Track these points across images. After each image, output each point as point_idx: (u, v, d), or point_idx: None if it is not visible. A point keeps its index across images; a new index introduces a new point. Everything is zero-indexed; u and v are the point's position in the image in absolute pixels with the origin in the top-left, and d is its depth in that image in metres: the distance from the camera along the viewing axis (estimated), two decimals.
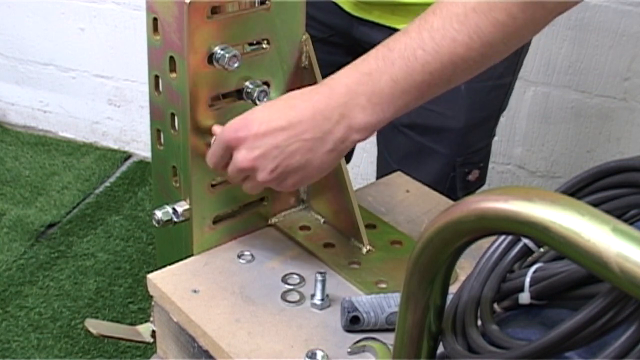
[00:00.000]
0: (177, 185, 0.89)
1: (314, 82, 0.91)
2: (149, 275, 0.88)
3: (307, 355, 0.77)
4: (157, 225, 0.88)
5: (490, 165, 2.18)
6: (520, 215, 0.45)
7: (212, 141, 0.84)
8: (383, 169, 1.24)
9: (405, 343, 0.57)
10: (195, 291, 0.85)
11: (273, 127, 0.78)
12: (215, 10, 0.83)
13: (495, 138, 2.14)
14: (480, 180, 1.32)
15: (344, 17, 1.24)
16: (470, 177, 1.28)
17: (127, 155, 2.59)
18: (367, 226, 0.94)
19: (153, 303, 0.89)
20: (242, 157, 0.79)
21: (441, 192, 1.07)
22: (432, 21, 0.75)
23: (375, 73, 0.76)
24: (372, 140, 1.38)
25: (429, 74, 0.75)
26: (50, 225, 2.21)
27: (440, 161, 1.22)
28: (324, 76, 0.93)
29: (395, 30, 1.21)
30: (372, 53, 0.77)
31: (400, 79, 0.75)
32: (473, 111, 1.22)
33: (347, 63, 1.33)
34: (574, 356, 0.50)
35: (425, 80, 0.75)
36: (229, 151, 0.81)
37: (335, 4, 1.24)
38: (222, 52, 0.82)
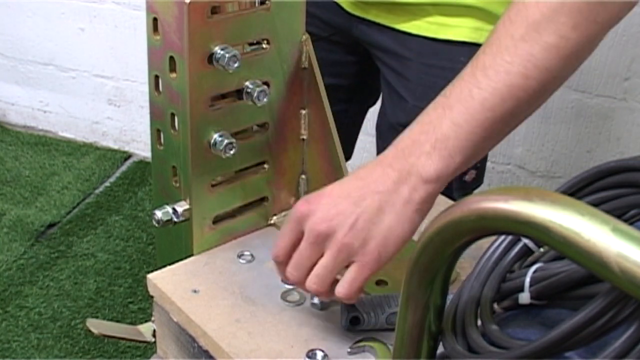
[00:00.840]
0: (177, 185, 0.89)
1: (314, 82, 0.91)
2: (149, 275, 0.88)
3: (307, 355, 0.77)
4: (157, 225, 0.88)
5: (490, 165, 2.19)
6: (520, 215, 0.45)
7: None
8: None
9: (405, 343, 0.57)
10: (195, 291, 0.85)
11: (345, 187, 0.75)
12: (215, 10, 0.83)
13: None
14: (477, 181, 1.31)
15: (343, 15, 1.24)
16: (467, 178, 1.28)
17: (127, 155, 2.59)
18: None
19: (153, 303, 0.89)
20: (318, 220, 0.73)
21: None
22: (483, 60, 0.73)
23: (436, 121, 0.74)
24: (372, 140, 1.38)
25: (491, 111, 0.72)
26: (50, 225, 2.21)
27: None
28: (324, 73, 0.93)
29: (393, 29, 1.22)
30: (431, 105, 0.76)
31: (461, 121, 0.73)
32: None
33: (348, 62, 1.34)
34: (574, 356, 0.50)
35: (488, 118, 0.72)
36: (300, 225, 0.75)
37: (336, 2, 1.24)
38: (222, 52, 0.82)
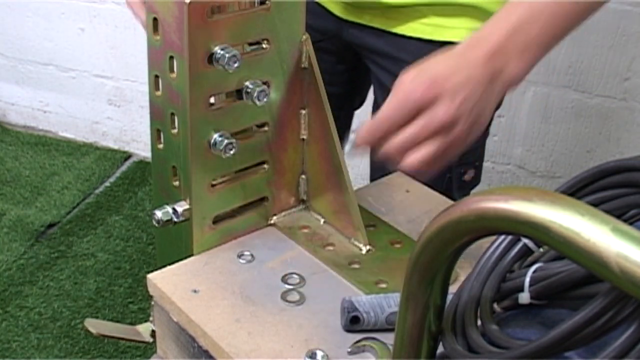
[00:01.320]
0: (177, 185, 0.89)
1: (314, 82, 0.91)
2: (149, 275, 0.88)
3: (307, 355, 0.77)
4: (157, 225, 0.88)
5: (490, 165, 2.19)
6: (520, 215, 0.45)
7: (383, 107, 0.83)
8: (377, 172, 1.24)
9: (405, 343, 0.57)
10: (195, 291, 0.85)
11: (462, 78, 0.80)
12: (215, 10, 0.83)
13: (495, 138, 2.15)
14: (476, 180, 1.31)
15: (333, 20, 1.23)
16: (466, 177, 1.28)
17: (127, 155, 2.60)
18: (367, 226, 0.94)
19: (153, 303, 0.89)
20: (445, 109, 0.79)
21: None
22: None
23: (525, 23, 0.82)
24: None
25: (575, 15, 0.84)
26: (50, 225, 2.21)
27: None
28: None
29: (388, 33, 1.22)
30: (517, 5, 0.83)
31: (549, 29, 0.82)
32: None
33: (337, 71, 1.33)
34: (573, 356, 0.50)
35: (567, 24, 0.84)
36: (418, 111, 0.80)
37: (324, 8, 1.23)
38: (222, 52, 0.82)
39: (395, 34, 1.19)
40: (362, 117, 1.38)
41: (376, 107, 1.32)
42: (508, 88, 0.83)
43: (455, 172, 1.25)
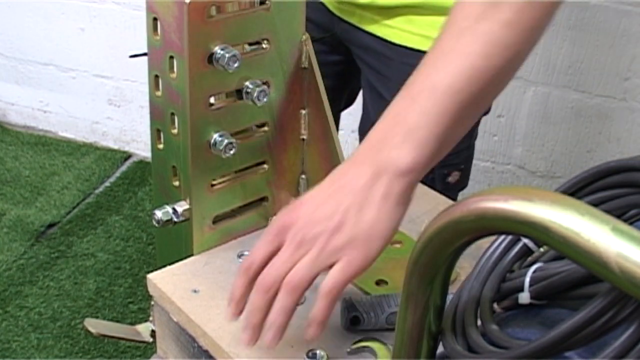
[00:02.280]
0: (177, 185, 0.89)
1: (314, 82, 0.91)
2: (149, 275, 0.88)
3: (307, 355, 0.77)
4: (157, 225, 0.88)
5: (490, 165, 2.19)
6: (520, 215, 0.45)
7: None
8: None
9: (405, 343, 0.57)
10: (195, 291, 0.85)
11: (323, 192, 0.73)
12: (215, 10, 0.83)
13: (495, 138, 2.15)
14: (461, 182, 1.30)
15: (327, 14, 1.25)
16: (450, 179, 1.27)
17: (127, 155, 2.59)
18: None
19: (153, 303, 0.89)
20: (302, 225, 0.72)
21: None
22: (442, 45, 0.72)
23: (404, 112, 0.72)
24: None
25: (457, 94, 0.71)
26: (50, 225, 2.21)
27: None
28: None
29: (373, 35, 1.22)
30: (397, 97, 0.74)
31: (429, 109, 0.71)
32: None
33: (331, 62, 1.33)
34: (573, 356, 0.50)
35: (455, 103, 0.71)
36: (281, 236, 0.73)
37: (320, 2, 1.24)
38: (222, 52, 0.82)
39: (384, 39, 1.20)
40: (357, 118, 1.38)
41: (365, 108, 1.32)
42: (399, 181, 0.71)
43: (438, 174, 1.24)
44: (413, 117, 0.71)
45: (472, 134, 1.30)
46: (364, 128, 1.33)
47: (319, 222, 0.71)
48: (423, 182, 1.09)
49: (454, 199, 1.23)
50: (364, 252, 0.72)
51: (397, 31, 1.17)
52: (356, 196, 0.72)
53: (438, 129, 0.71)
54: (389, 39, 1.19)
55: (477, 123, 1.30)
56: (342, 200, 0.72)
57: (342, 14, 1.24)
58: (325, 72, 1.33)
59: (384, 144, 0.72)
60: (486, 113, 1.32)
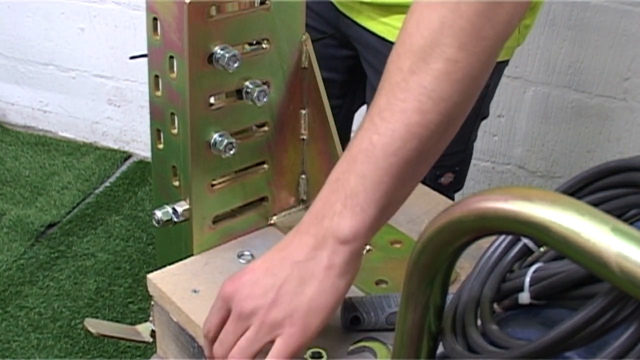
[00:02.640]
0: (177, 185, 0.89)
1: (314, 82, 0.91)
2: (149, 275, 0.88)
3: (307, 355, 0.77)
4: (157, 225, 0.88)
5: (490, 165, 2.19)
6: (520, 215, 0.45)
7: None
8: None
9: (405, 343, 0.57)
10: (195, 291, 0.85)
11: (266, 262, 0.72)
12: (215, 10, 0.83)
13: (495, 138, 2.15)
14: (456, 185, 1.28)
15: (333, 11, 1.25)
16: (443, 181, 1.25)
17: (127, 155, 2.59)
18: None
19: (153, 303, 0.89)
20: (241, 297, 0.71)
21: None
22: (379, 103, 0.69)
23: (343, 177, 0.69)
24: None
25: (394, 156, 0.67)
26: (50, 225, 2.21)
27: None
28: (320, 68, 0.92)
29: (371, 33, 1.22)
30: (338, 163, 0.71)
31: (366, 172, 0.68)
32: None
33: (341, 56, 1.33)
34: (573, 356, 0.50)
35: (393, 164, 0.67)
36: (227, 304, 0.72)
37: None
38: (222, 52, 0.82)
39: (381, 37, 1.20)
40: (357, 118, 1.38)
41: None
42: (342, 249, 0.69)
43: (430, 174, 1.23)
44: (351, 182, 0.68)
45: (469, 138, 1.29)
46: None
47: (256, 297, 0.70)
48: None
49: (450, 200, 1.23)
50: (302, 328, 0.70)
51: (392, 29, 1.17)
52: (297, 269, 0.70)
53: (378, 193, 0.68)
54: (385, 36, 1.19)
55: (475, 127, 1.30)
56: (280, 274, 0.70)
57: (344, 8, 1.24)
58: (336, 67, 1.33)
59: (325, 212, 0.69)
60: (484, 117, 1.32)
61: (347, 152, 0.70)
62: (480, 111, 1.27)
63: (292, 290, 0.69)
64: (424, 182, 1.19)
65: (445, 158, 1.23)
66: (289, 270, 0.70)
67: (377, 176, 0.68)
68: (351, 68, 1.34)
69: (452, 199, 1.27)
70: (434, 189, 1.18)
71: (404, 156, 0.68)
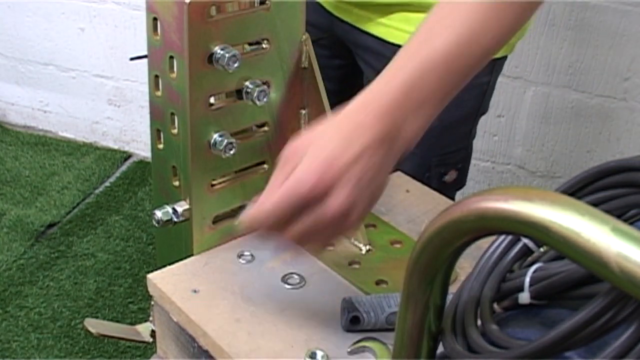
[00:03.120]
0: (177, 185, 0.89)
1: (314, 82, 0.91)
2: (149, 275, 0.88)
3: (307, 355, 0.77)
4: (157, 225, 0.88)
5: (490, 165, 2.19)
6: (520, 215, 0.45)
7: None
8: None
9: (405, 343, 0.57)
10: (195, 291, 0.85)
11: (355, 153, 0.72)
12: (215, 10, 0.83)
13: (495, 138, 2.15)
14: (459, 182, 1.29)
15: (326, 16, 1.24)
16: (447, 178, 1.26)
17: (127, 155, 2.59)
18: (367, 226, 0.94)
19: (153, 303, 0.89)
20: (338, 202, 0.70)
21: None
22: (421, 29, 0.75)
23: (419, 79, 0.74)
24: None
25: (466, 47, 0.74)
26: (50, 225, 2.21)
27: (414, 161, 1.18)
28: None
29: (371, 35, 1.22)
30: (398, 65, 0.76)
31: (443, 73, 0.74)
32: (448, 110, 1.21)
33: (333, 66, 1.33)
34: (573, 356, 0.50)
35: (467, 64, 0.75)
36: (307, 204, 0.72)
37: (317, 2, 1.24)
38: (222, 52, 0.82)
39: (381, 39, 1.19)
40: None
41: None
42: (404, 150, 0.74)
43: (435, 172, 1.24)
44: (430, 86, 0.73)
45: (469, 134, 1.29)
46: None
47: (355, 196, 0.72)
48: (420, 180, 1.09)
49: (452, 198, 1.23)
50: (366, 211, 0.74)
51: (393, 30, 1.17)
52: (378, 166, 0.72)
53: (444, 100, 0.75)
54: (385, 38, 1.18)
55: (475, 123, 1.30)
56: (368, 168, 0.72)
57: (340, 13, 1.23)
58: (328, 76, 1.33)
59: (400, 109, 0.73)
60: (484, 113, 1.32)
61: (421, 56, 0.74)
62: (480, 107, 1.27)
63: (370, 177, 0.72)
64: (429, 181, 1.20)
65: (449, 155, 1.25)
66: (367, 156, 0.72)
67: (448, 88, 0.75)
68: (342, 77, 1.34)
69: (454, 197, 1.27)
70: (439, 186, 1.18)
71: (471, 72, 0.75)
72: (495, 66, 1.25)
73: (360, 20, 1.21)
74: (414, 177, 1.09)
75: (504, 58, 1.27)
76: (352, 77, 1.33)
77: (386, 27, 1.18)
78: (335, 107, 1.37)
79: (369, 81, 1.27)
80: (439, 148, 1.22)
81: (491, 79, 1.26)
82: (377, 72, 1.23)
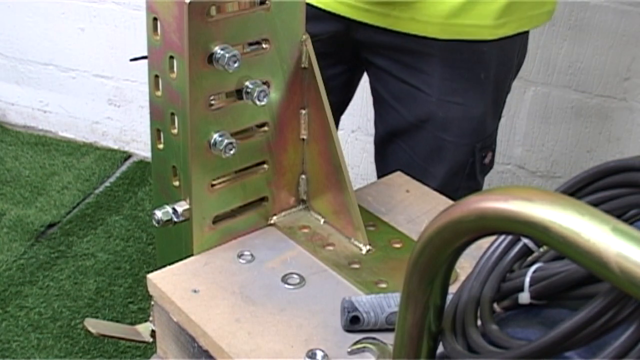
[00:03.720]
0: (177, 185, 0.89)
1: (314, 82, 0.91)
2: (149, 275, 0.88)
3: (307, 355, 0.77)
4: (157, 225, 0.88)
5: None
6: (520, 215, 0.45)
7: None
8: (395, 166, 1.20)
9: (405, 343, 0.57)
10: (195, 291, 0.85)
11: None
12: (215, 10, 0.83)
13: None
14: (492, 164, 1.33)
15: (341, 23, 1.23)
16: (486, 161, 1.29)
17: (127, 155, 2.60)
18: (367, 226, 0.94)
19: (153, 303, 0.89)
20: None
21: (461, 179, 1.11)
22: None
23: None
24: (371, 140, 1.38)
25: None
26: (50, 225, 2.21)
27: (462, 150, 1.22)
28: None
29: (393, 31, 1.21)
30: None
31: None
32: (487, 95, 1.22)
33: (333, 75, 1.32)
34: (573, 356, 0.50)
35: None
36: None
37: (326, 10, 1.23)
38: (222, 52, 0.82)
39: (390, 30, 1.19)
40: (357, 118, 1.38)
41: (381, 115, 1.31)
42: None
43: (478, 157, 1.27)
44: None
45: (500, 115, 1.32)
46: (382, 134, 1.31)
47: None
48: (459, 167, 1.10)
49: (483, 181, 1.26)
50: None
51: (396, 20, 1.17)
52: None
53: None
54: (392, 27, 1.18)
55: (504, 104, 1.31)
56: None
57: (371, 18, 1.22)
58: (332, 86, 1.34)
59: None
60: (509, 92, 1.33)
61: None
62: (509, 87, 1.29)
63: None
64: (473, 165, 1.25)
65: (488, 138, 1.27)
66: None
67: None
68: (345, 84, 1.35)
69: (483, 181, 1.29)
70: (481, 170, 1.23)
71: None
72: (524, 40, 1.27)
73: (376, 18, 1.20)
74: (460, 165, 1.15)
75: (527, 33, 1.29)
76: (352, 84, 1.34)
77: (392, 19, 1.18)
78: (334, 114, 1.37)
79: (400, 79, 1.27)
80: (482, 132, 1.25)
81: (523, 56, 1.29)
82: (413, 68, 1.22)
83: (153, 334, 0.94)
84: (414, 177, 1.04)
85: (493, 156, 1.31)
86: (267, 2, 0.86)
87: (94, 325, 0.96)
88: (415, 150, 1.26)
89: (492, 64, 1.21)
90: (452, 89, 1.17)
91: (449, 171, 1.22)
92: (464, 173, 1.21)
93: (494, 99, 1.25)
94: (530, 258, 0.60)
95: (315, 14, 1.21)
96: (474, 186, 1.28)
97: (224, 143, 0.86)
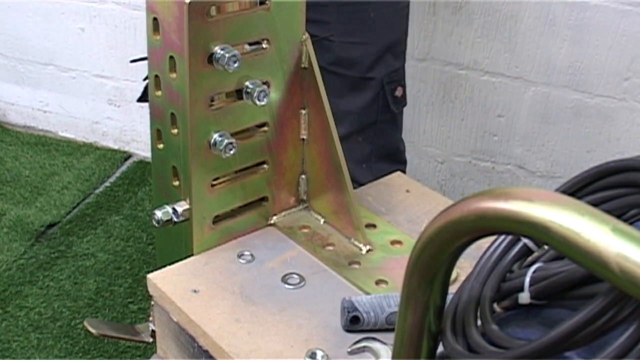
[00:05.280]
0: (177, 185, 0.89)
1: (314, 82, 0.91)
2: (149, 275, 0.88)
3: (307, 355, 0.77)
4: (157, 225, 0.88)
5: (490, 165, 2.19)
6: (520, 215, 0.45)
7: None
8: None
9: (405, 343, 0.57)
10: (195, 291, 0.85)
11: None
12: (215, 10, 0.83)
13: (495, 138, 2.15)
14: (405, 99, 1.47)
15: None
16: (397, 94, 1.44)
17: (127, 155, 2.59)
18: (367, 226, 0.94)
19: (153, 303, 0.89)
20: None
21: (376, 111, 1.31)
22: None
23: None
24: None
25: None
26: (50, 225, 2.21)
27: (371, 83, 1.37)
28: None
29: None
30: None
31: None
32: (386, 34, 1.38)
33: None
34: (573, 356, 0.50)
35: None
36: None
37: None
38: (222, 52, 0.82)
39: None
40: None
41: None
42: None
43: (388, 89, 1.42)
44: None
45: (404, 55, 1.47)
46: None
47: None
48: (373, 99, 1.31)
49: (401, 114, 1.45)
50: None
51: None
52: None
53: None
54: None
55: (406, 45, 1.49)
56: None
57: None
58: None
59: None
60: (406, 34, 1.49)
61: None
62: (407, 28, 1.46)
63: None
64: (385, 96, 1.40)
65: (394, 74, 1.43)
66: None
67: None
68: None
69: (402, 113, 1.47)
70: (393, 101, 1.41)
71: None
72: None
73: None
74: (373, 99, 1.38)
75: None
76: None
77: None
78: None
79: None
80: (386, 67, 1.41)
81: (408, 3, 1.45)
82: (312, 22, 1.31)
83: (153, 334, 0.93)
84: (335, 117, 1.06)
85: (404, 91, 1.45)
86: (267, 2, 0.86)
87: (94, 325, 0.96)
88: (333, 92, 1.34)
89: (380, 2, 1.36)
90: (349, 31, 1.31)
91: (365, 104, 1.36)
92: (379, 105, 1.36)
93: (393, 35, 1.40)
94: (530, 258, 0.60)
95: None
96: (391, 118, 1.43)
97: (224, 143, 0.86)
